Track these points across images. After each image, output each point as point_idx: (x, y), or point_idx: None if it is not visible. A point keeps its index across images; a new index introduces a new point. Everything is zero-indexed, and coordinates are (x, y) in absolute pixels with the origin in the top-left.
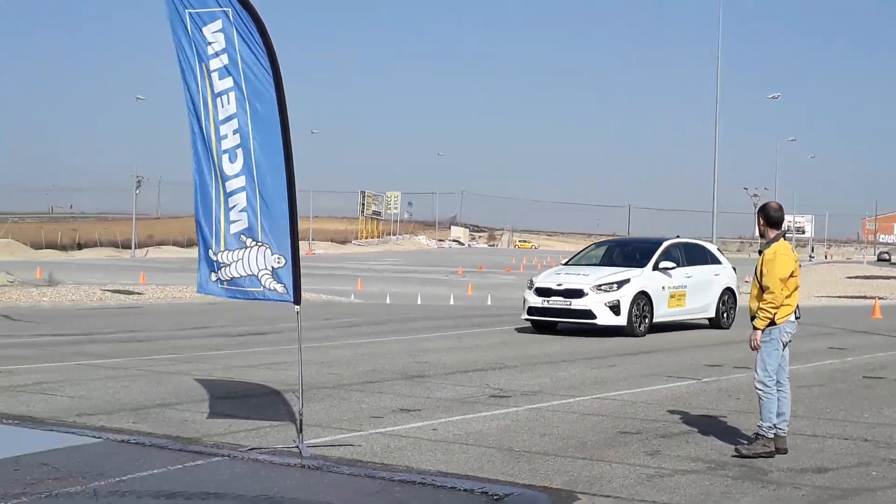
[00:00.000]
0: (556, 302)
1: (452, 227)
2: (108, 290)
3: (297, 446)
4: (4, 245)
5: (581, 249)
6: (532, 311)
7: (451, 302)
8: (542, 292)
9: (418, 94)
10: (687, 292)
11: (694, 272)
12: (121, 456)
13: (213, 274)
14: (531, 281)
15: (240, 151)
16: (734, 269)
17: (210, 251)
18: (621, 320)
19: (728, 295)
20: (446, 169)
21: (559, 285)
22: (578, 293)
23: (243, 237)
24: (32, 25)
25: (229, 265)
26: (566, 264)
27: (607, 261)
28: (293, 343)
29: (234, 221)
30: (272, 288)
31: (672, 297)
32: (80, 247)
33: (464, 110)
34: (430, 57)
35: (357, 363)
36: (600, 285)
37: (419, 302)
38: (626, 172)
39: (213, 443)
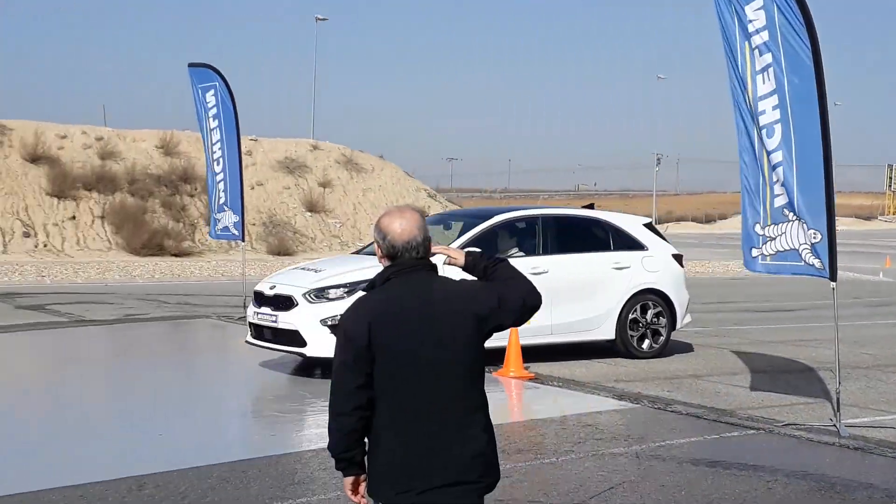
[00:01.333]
0: (265, 316)
1: None
2: None
3: (834, 425)
4: None
5: None
6: (251, 327)
7: None
8: (257, 299)
9: None
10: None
11: (555, 264)
12: (658, 422)
13: (754, 249)
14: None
15: (778, 126)
16: (678, 256)
17: (756, 226)
18: None
19: (647, 301)
20: None
21: (272, 288)
22: (287, 302)
23: (786, 211)
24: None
25: (774, 239)
26: (357, 252)
27: None
28: (820, 320)
29: (777, 195)
30: (811, 263)
31: None
32: None
33: None
34: None
35: (893, 344)
36: (323, 289)
37: None
38: None
39: (746, 416)
